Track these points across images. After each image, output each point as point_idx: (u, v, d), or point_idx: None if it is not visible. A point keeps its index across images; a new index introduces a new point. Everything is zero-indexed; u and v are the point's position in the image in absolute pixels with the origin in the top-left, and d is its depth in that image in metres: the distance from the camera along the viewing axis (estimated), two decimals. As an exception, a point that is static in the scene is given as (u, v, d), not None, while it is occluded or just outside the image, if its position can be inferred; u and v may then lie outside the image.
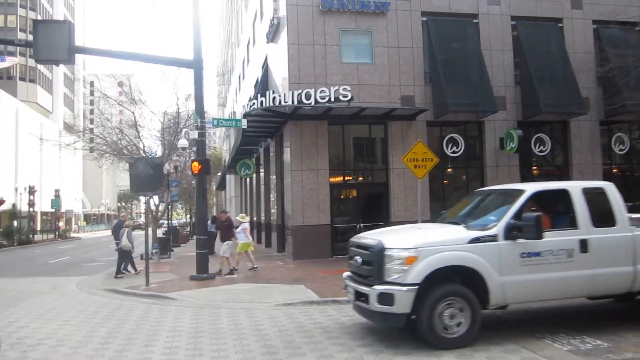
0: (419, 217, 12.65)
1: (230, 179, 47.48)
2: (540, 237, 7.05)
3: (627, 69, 19.23)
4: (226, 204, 55.44)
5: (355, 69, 18.91)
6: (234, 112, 38.44)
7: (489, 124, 20.10)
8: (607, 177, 21.40)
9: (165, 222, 31.63)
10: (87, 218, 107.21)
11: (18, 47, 62.48)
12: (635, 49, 19.98)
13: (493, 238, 7.13)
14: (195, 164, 13.77)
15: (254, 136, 23.32)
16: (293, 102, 17.23)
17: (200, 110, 14.05)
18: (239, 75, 37.71)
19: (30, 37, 12.53)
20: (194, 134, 14.45)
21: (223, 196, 62.30)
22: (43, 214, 70.62)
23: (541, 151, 20.39)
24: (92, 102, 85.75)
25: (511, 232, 7.14)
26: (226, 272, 15.48)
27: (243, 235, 16.34)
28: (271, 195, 24.19)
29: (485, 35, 20.24)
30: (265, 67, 23.49)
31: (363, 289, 7.31)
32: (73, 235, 65.26)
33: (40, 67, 78.22)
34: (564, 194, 7.85)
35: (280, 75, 20.22)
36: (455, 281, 7.09)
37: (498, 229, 7.19)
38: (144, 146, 24.76)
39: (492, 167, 20.06)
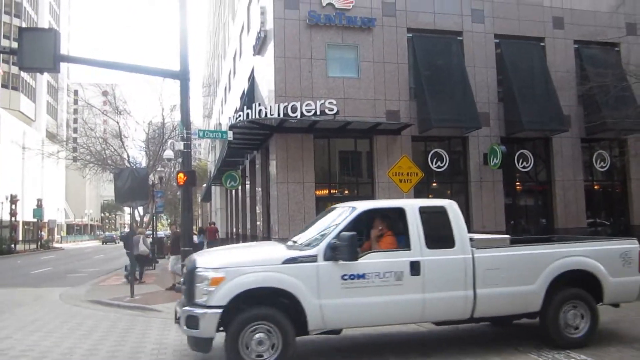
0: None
1: (216, 190, 47.28)
2: (354, 258, 6.71)
3: (606, 88, 19.63)
4: (212, 215, 55.17)
5: (341, 83, 19.08)
6: (220, 124, 38.43)
7: (472, 139, 20.36)
8: (589, 193, 21.82)
9: (151, 233, 31.37)
10: (70, 228, 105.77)
11: (1, 55, 61.98)
12: (614, 69, 20.45)
13: (312, 259, 6.77)
14: (181, 175, 13.70)
15: (239, 148, 23.33)
16: (279, 114, 17.32)
17: (186, 121, 14.03)
18: (225, 86, 37.75)
19: (15, 44, 12.47)
20: (180, 145, 14.41)
21: (209, 208, 61.98)
22: (25, 223, 69.60)
23: (524, 167, 20.66)
24: (75, 111, 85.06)
25: (333, 253, 6.74)
26: (168, 287, 15.41)
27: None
28: (257, 208, 24.16)
29: (469, 52, 20.57)
30: (252, 80, 23.58)
31: (178, 310, 6.99)
32: (56, 245, 64.45)
33: (24, 74, 77.52)
34: (400, 213, 7.44)
35: (266, 87, 20.32)
36: (275, 304, 6.70)
37: (319, 249, 6.83)
38: (128, 156, 24.65)
39: (477, 182, 20.29)
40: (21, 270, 26.45)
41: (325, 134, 19.21)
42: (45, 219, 67.05)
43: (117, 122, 24.90)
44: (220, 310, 6.39)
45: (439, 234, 7.40)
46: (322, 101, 17.79)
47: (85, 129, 26.32)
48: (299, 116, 17.42)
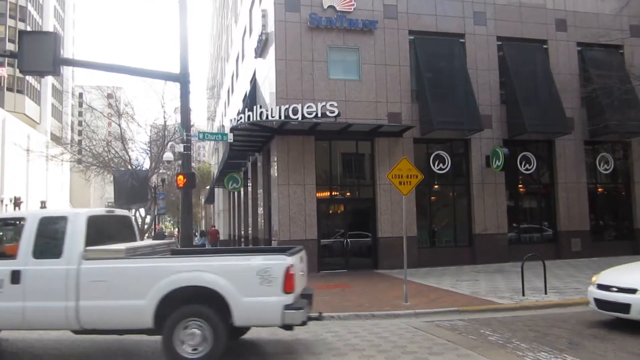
0: (404, 232, 12.65)
1: (219, 192, 47.31)
2: None
3: (609, 90, 19.54)
4: (215, 217, 55.19)
5: (342, 86, 19.03)
6: (223, 126, 38.44)
7: (475, 141, 20.27)
8: (592, 195, 21.70)
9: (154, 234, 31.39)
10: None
11: (6, 58, 62.23)
12: (617, 71, 20.36)
13: None
14: (181, 177, 13.68)
15: (241, 150, 23.32)
16: (280, 117, 17.30)
17: (186, 124, 14.01)
18: (228, 89, 37.79)
19: (17, 48, 12.47)
20: (180, 147, 14.40)
21: (212, 209, 62.02)
22: (28, 225, 69.68)
23: (527, 169, 20.58)
24: (80, 114, 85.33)
25: None
26: None
27: None
28: (258, 209, 24.12)
29: (472, 54, 20.50)
30: (254, 82, 23.57)
31: None
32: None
33: (29, 78, 77.75)
34: (23, 221, 7.55)
35: (268, 90, 20.30)
36: None
37: None
38: (130, 159, 24.66)
39: (479, 184, 20.19)
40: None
41: (327, 136, 19.16)
42: (49, 222, 67.11)
43: (119, 125, 24.88)
44: None
45: (52, 244, 7.32)
46: (324, 103, 17.75)
47: (88, 132, 26.36)
48: (300, 118, 17.39)
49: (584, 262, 19.13)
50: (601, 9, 21.71)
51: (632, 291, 8.48)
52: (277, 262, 6.93)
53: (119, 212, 9.23)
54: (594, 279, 9.62)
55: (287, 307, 6.85)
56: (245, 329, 8.25)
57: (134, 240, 8.90)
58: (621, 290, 8.66)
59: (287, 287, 6.86)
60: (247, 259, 7.11)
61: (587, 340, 8.14)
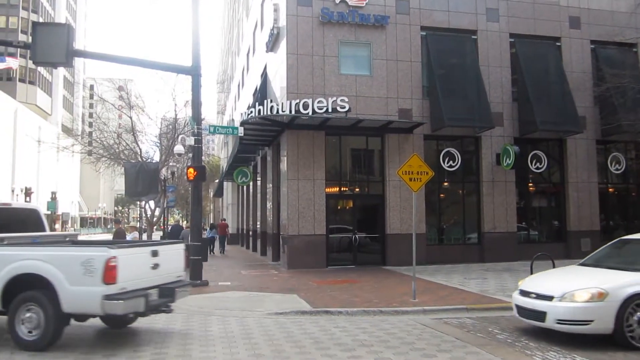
0: (414, 229, 12.63)
1: (228, 186, 47.41)
2: None
3: (623, 90, 19.36)
4: (223, 211, 55.33)
5: (353, 81, 18.99)
6: (233, 120, 38.48)
7: (485, 139, 20.17)
8: (603, 195, 21.54)
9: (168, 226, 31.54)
10: (84, 221, 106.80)
11: (18, 49, 62.59)
12: (631, 70, 20.16)
13: None
14: (191, 170, 13.76)
15: (251, 144, 23.36)
16: (291, 111, 17.29)
17: (197, 117, 14.07)
18: (239, 83, 37.82)
19: (31, 39, 12.55)
20: (190, 140, 14.45)
21: (220, 203, 62.21)
22: (38, 216, 70.27)
23: (537, 168, 20.47)
24: (91, 106, 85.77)
25: None
26: None
27: None
28: (267, 204, 24.17)
29: (484, 51, 20.38)
30: (264, 76, 23.57)
31: None
32: (68, 238, 65.05)
33: (40, 69, 78.28)
34: None
35: (278, 84, 20.29)
36: None
37: None
38: (140, 151, 24.78)
39: (489, 182, 20.10)
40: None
41: (337, 131, 19.14)
42: (59, 212, 67.75)
43: (130, 117, 25.00)
44: None
45: None
46: (334, 98, 17.72)
47: (99, 124, 26.51)
48: (310, 113, 17.38)
49: (594, 262, 18.98)
50: (616, 7, 21.48)
51: (549, 298, 7.99)
52: (98, 254, 7.25)
53: (20, 205, 9.76)
54: (520, 282, 9.21)
55: (107, 297, 7.15)
56: (130, 319, 8.80)
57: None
58: (539, 297, 8.19)
59: (107, 278, 7.16)
60: (74, 250, 7.73)
61: (596, 338, 8.09)
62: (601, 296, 7.60)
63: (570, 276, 8.82)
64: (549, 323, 7.94)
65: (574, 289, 7.86)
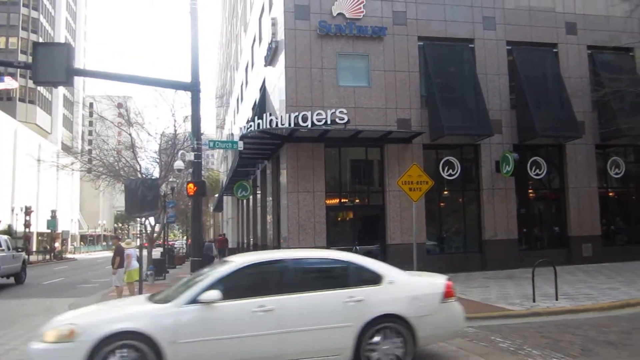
0: (414, 239, 12.60)
1: (228, 200, 47.42)
2: None
3: (621, 94, 19.40)
4: (223, 225, 55.27)
5: (352, 92, 19.05)
6: (232, 134, 38.56)
7: (484, 147, 20.19)
8: (603, 200, 21.50)
9: (171, 242, 31.46)
10: (84, 239, 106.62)
11: (18, 70, 62.93)
12: (629, 74, 20.21)
13: None
14: (191, 185, 13.70)
15: (250, 158, 23.39)
16: (290, 124, 17.33)
17: (196, 132, 14.05)
18: (237, 97, 37.97)
19: (31, 59, 12.60)
20: (190, 156, 14.43)
21: (220, 218, 62.13)
22: (39, 234, 70.24)
23: (537, 174, 20.45)
24: (91, 124, 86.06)
25: None
26: None
27: (134, 262, 15.48)
28: (267, 217, 24.14)
29: (481, 59, 20.46)
30: (263, 90, 23.66)
31: None
32: (69, 256, 64.89)
33: (40, 88, 78.65)
34: None
35: (277, 97, 20.36)
36: None
37: None
38: (140, 167, 24.78)
39: (489, 190, 20.09)
40: (33, 280, 26.51)
41: (336, 143, 19.17)
42: (59, 230, 67.59)
43: (130, 134, 25.04)
44: None
45: None
46: (333, 110, 17.77)
47: (98, 141, 26.57)
48: (309, 125, 17.41)
49: (596, 268, 18.94)
50: (612, 12, 21.59)
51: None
52: None
53: None
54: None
55: None
56: None
57: None
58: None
59: None
60: None
61: (601, 347, 8.04)
62: (72, 335, 6.00)
63: (106, 309, 7.46)
64: None
65: (53, 325, 6.37)
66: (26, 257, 30.08)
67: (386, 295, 7.04)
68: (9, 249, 23.30)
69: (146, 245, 22.46)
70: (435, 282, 7.61)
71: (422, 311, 7.01)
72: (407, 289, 7.25)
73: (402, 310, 6.94)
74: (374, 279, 7.20)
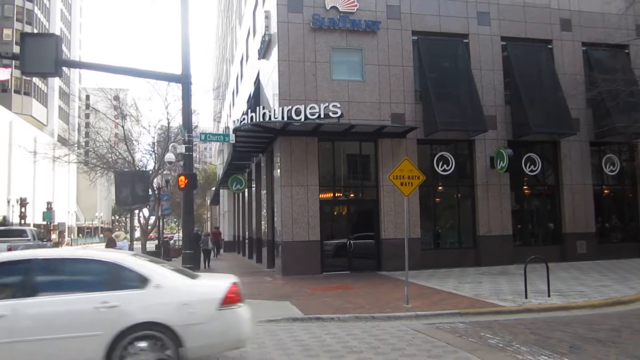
0: (406, 234, 12.55)
1: (224, 193, 47.36)
2: None
3: (615, 91, 19.35)
4: (220, 218, 55.23)
5: (345, 86, 18.96)
6: (228, 127, 38.41)
7: (479, 142, 20.13)
8: (598, 197, 21.51)
9: (169, 235, 31.39)
10: (81, 231, 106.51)
11: (13, 61, 62.46)
12: (623, 72, 20.16)
13: None
14: (182, 178, 13.64)
15: (245, 151, 23.30)
16: (283, 117, 17.24)
17: (187, 125, 13.98)
18: (233, 90, 37.81)
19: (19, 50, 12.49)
20: (181, 148, 14.37)
21: (217, 211, 62.09)
22: (35, 226, 70.10)
23: (532, 171, 20.42)
24: (87, 116, 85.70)
25: None
26: None
27: None
28: (262, 211, 24.10)
29: (476, 55, 20.37)
30: (257, 83, 23.55)
31: None
32: (65, 247, 64.87)
33: (36, 80, 78.25)
34: None
35: (271, 91, 20.25)
36: None
37: None
38: (133, 160, 24.70)
39: (483, 185, 20.04)
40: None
41: (330, 137, 19.08)
42: (55, 222, 67.55)
43: (122, 127, 24.95)
44: None
45: None
46: (327, 104, 17.66)
47: (93, 133, 26.47)
48: (303, 119, 17.31)
49: (589, 265, 18.96)
50: (607, 9, 21.49)
51: None
52: None
53: None
54: None
55: None
56: None
57: None
58: None
59: None
60: None
61: (590, 344, 8.01)
62: None
63: None
64: None
65: None
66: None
67: (148, 301, 6.43)
68: (34, 239, 25.06)
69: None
70: (215, 286, 6.98)
71: (192, 319, 6.40)
72: (176, 294, 6.59)
73: (165, 317, 6.34)
74: (139, 282, 6.54)
